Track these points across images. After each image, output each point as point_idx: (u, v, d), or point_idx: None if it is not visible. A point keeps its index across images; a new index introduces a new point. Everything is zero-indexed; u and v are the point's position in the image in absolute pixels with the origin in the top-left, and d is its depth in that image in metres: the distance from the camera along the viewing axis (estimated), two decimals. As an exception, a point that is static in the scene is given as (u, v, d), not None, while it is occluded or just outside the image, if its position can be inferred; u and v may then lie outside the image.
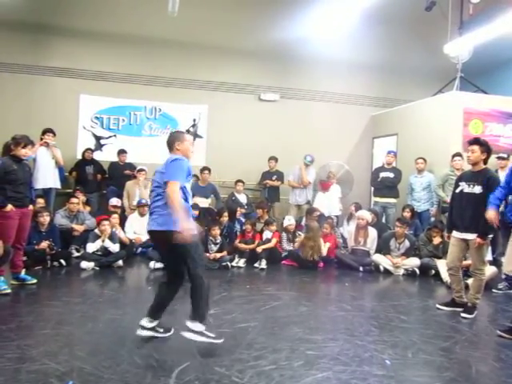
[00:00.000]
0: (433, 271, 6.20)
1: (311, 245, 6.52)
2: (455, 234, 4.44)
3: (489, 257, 5.83)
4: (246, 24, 8.95)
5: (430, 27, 9.07)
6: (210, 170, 8.09)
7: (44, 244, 5.69)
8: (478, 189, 4.23)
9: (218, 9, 8.80)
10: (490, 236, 4.33)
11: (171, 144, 3.43)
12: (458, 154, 6.88)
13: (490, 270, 5.66)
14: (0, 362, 2.81)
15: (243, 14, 8.96)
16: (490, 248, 5.81)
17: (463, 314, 4.32)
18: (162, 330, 3.40)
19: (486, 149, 4.27)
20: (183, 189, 3.23)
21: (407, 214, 7.01)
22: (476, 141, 4.33)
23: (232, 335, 3.50)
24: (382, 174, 7.80)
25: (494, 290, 5.45)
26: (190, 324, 3.13)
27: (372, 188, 8.44)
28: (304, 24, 8.47)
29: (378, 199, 7.86)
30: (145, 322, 3.32)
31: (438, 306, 4.66)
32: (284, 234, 7.08)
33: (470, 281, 5.32)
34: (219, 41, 8.90)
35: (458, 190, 4.43)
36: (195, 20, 8.65)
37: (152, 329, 3.35)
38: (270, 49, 9.06)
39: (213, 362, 2.96)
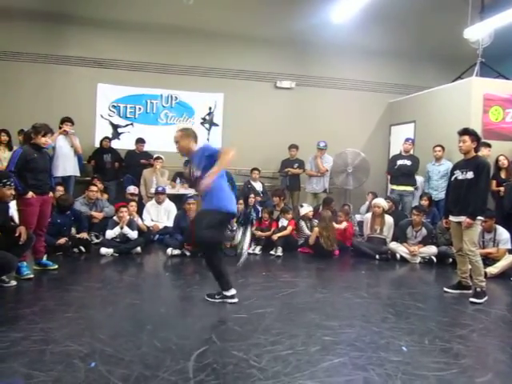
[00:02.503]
0: (450, 259, 6.15)
1: (327, 234, 6.51)
2: (452, 218, 4.69)
3: (508, 245, 5.77)
4: (262, 12, 8.90)
5: (449, 11, 8.89)
6: None
7: (62, 240, 5.80)
8: (470, 174, 4.49)
9: (234, -4, 8.78)
10: (480, 218, 4.50)
11: None
12: (487, 145, 6.78)
13: (508, 259, 5.62)
14: (25, 344, 2.91)
15: (259, 2, 8.90)
16: (509, 237, 5.77)
17: (472, 299, 4.34)
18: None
19: (476, 138, 4.54)
20: None
21: (425, 202, 6.95)
22: (466, 131, 4.57)
23: (249, 320, 3.55)
24: (399, 162, 7.69)
25: (512, 279, 5.40)
26: (228, 293, 3.92)
27: (388, 176, 8.35)
28: (320, 11, 8.37)
29: (394, 187, 7.77)
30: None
31: (445, 289, 4.73)
32: (302, 222, 7.07)
33: (488, 269, 5.30)
34: (235, 29, 8.86)
35: (452, 178, 4.73)
36: (211, 8, 8.64)
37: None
38: (286, 36, 8.98)
39: (230, 347, 3.00)
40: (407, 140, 7.87)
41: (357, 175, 8.33)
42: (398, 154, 8.06)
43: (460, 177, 4.57)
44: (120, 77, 8.60)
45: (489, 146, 6.82)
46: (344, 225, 6.88)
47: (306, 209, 7.16)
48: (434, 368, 2.82)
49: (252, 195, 7.50)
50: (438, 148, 7.34)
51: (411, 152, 7.89)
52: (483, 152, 6.74)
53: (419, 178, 7.79)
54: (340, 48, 9.27)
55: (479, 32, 7.86)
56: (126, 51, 8.66)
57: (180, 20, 8.65)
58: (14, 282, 4.30)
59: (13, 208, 4.93)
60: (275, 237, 6.64)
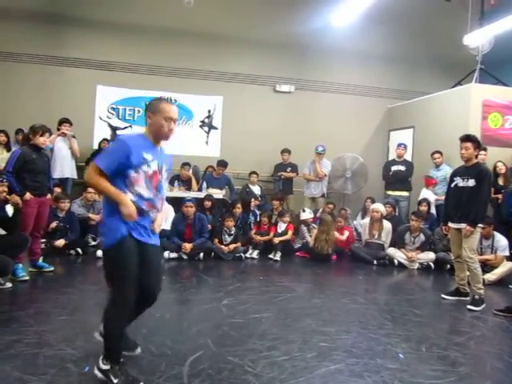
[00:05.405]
0: (448, 265, 6.13)
1: (325, 238, 6.50)
2: (451, 225, 4.65)
3: (506, 252, 5.76)
4: (262, 15, 8.91)
5: (449, 18, 8.91)
6: (225, 166, 8.00)
7: (53, 224, 5.82)
8: (471, 182, 4.45)
9: (234, 0, 8.78)
10: (480, 225, 4.51)
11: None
12: (483, 149, 6.76)
13: (506, 266, 5.60)
14: (19, 347, 2.88)
15: (259, 5, 8.91)
16: (507, 244, 5.75)
17: (470, 307, 4.33)
18: None
19: (478, 144, 4.50)
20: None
21: (424, 207, 6.93)
22: (468, 138, 4.50)
23: (245, 325, 3.52)
24: (394, 168, 7.73)
25: (510, 286, 5.37)
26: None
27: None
28: (321, 15, 8.41)
29: (390, 192, 7.77)
30: None
31: (443, 296, 4.72)
32: (304, 228, 7.03)
33: (486, 276, 5.29)
34: (235, 32, 8.87)
35: (452, 185, 4.68)
36: (211, 11, 8.65)
37: None
38: (285, 40, 9.00)
39: (226, 352, 2.98)
40: (400, 145, 7.93)
41: (355, 180, 8.33)
42: (391, 159, 8.12)
43: (461, 184, 4.53)
44: (119, 79, 8.58)
45: (484, 149, 6.80)
46: (346, 234, 6.87)
47: (307, 215, 7.12)
48: (431, 376, 2.80)
49: (253, 199, 7.49)
50: (437, 155, 7.32)
51: (404, 157, 7.90)
52: (479, 156, 6.74)
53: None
54: (340, 53, 9.28)
55: (479, 38, 7.87)
56: (126, 53, 8.65)
57: (180, 23, 8.65)
58: (9, 284, 4.27)
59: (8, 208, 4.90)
60: (276, 240, 6.61)
